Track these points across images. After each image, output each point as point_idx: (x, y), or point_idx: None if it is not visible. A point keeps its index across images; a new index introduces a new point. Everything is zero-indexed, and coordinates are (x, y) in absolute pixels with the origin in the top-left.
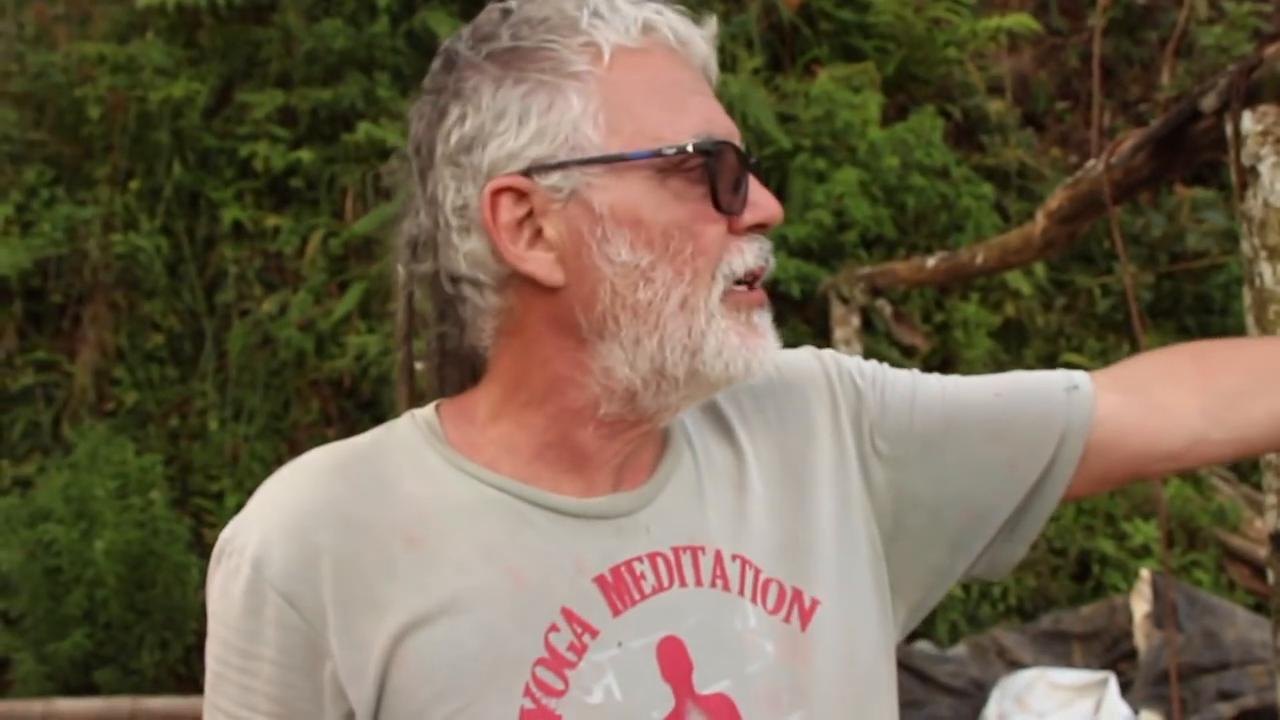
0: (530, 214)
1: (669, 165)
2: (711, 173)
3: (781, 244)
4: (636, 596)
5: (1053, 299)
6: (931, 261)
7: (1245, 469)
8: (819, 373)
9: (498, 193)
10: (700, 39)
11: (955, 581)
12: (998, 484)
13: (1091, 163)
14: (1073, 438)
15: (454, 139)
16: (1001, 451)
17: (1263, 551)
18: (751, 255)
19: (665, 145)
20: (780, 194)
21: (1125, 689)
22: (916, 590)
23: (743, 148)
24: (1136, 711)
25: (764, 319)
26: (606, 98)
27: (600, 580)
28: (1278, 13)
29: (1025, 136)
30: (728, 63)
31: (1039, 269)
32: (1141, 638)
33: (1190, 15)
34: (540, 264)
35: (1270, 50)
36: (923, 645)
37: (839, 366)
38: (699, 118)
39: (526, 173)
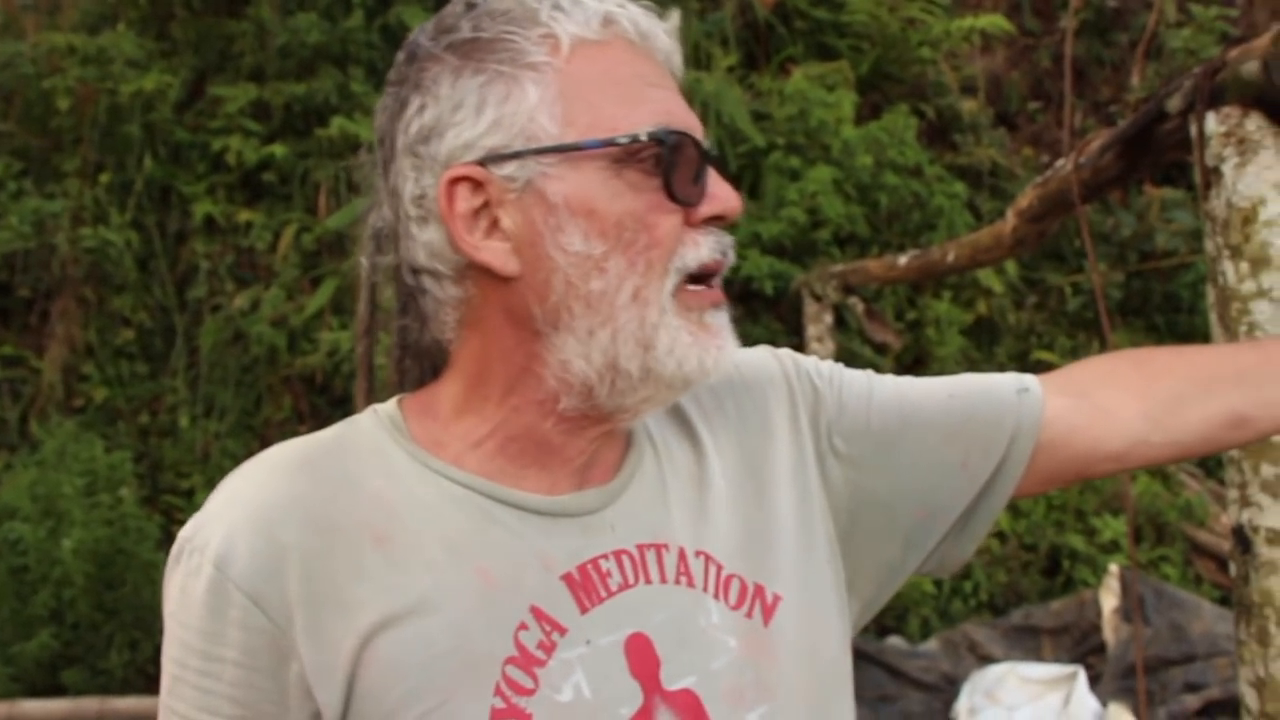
0: (487, 204)
1: (624, 155)
2: (666, 163)
3: (755, 241)
4: (604, 594)
5: (1024, 297)
6: (904, 259)
7: (1211, 464)
8: (777, 372)
9: (454, 182)
10: (663, 33)
11: (906, 578)
12: (951, 482)
13: (1061, 162)
14: (1023, 438)
15: (413, 129)
16: (955, 451)
17: (1227, 546)
18: (707, 248)
19: (620, 135)
20: (754, 192)
21: (1094, 682)
22: (870, 586)
23: (704, 141)
24: (1105, 704)
25: (719, 318)
26: (563, 89)
27: (568, 578)
28: (1244, 16)
29: (998, 136)
30: (703, 60)
31: (1010, 267)
32: (1110, 632)
33: (1159, 18)
34: (495, 254)
35: (1233, 53)
36: (894, 640)
37: (797, 366)
38: (657, 109)
39: (482, 162)
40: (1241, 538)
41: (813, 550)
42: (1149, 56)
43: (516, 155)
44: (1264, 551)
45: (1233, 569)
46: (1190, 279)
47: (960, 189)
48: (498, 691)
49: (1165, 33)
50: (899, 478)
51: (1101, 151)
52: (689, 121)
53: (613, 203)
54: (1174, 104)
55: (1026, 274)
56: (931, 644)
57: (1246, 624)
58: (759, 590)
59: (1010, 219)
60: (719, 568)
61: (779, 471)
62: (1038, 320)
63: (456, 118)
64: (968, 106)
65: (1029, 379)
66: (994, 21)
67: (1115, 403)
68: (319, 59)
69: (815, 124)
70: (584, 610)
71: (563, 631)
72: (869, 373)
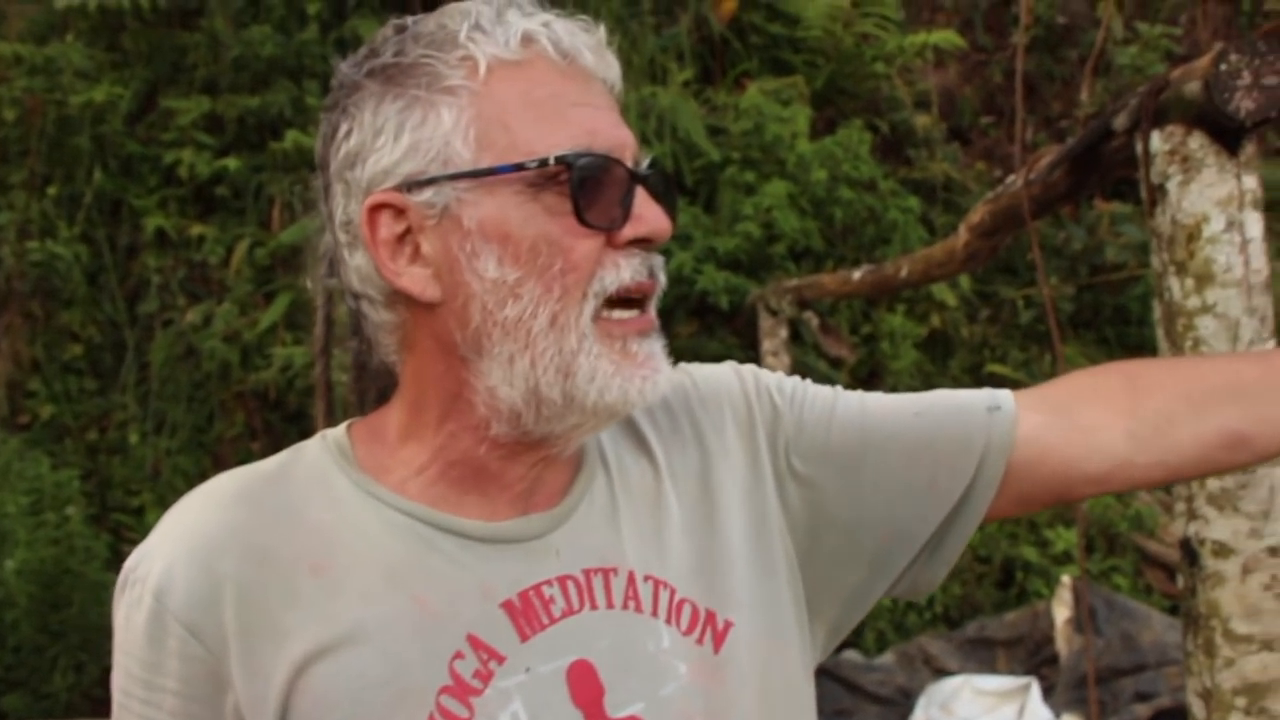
0: (409, 230)
1: (539, 179)
2: (574, 185)
3: (710, 256)
4: (545, 621)
5: (977, 311)
6: (858, 274)
7: None
8: (736, 390)
9: (376, 209)
10: (587, 49)
11: (875, 600)
12: (917, 505)
13: (1012, 178)
14: (993, 458)
15: (341, 155)
16: (921, 472)
17: (1177, 556)
18: (629, 270)
19: (530, 160)
20: (710, 206)
21: (1048, 693)
22: (835, 609)
23: (636, 159)
24: (1058, 715)
25: (644, 345)
26: (480, 111)
27: (508, 605)
28: (1187, 35)
29: (951, 151)
30: (659, 75)
31: (964, 281)
32: (1063, 642)
33: (1107, 36)
34: (415, 280)
35: (1177, 73)
36: (850, 654)
37: (758, 383)
38: (577, 130)
39: (402, 188)
40: (1189, 550)
41: (769, 574)
42: (1097, 73)
43: (432, 181)
44: (1210, 564)
45: (1180, 581)
46: (1139, 292)
47: (914, 203)
48: None
49: (1113, 50)
50: (860, 500)
51: (1051, 168)
52: (616, 140)
53: (526, 227)
54: (1120, 122)
55: (979, 288)
56: (887, 657)
57: (1194, 635)
58: (710, 616)
59: (962, 234)
60: (672, 591)
61: (733, 493)
62: (991, 333)
63: (377, 144)
64: (921, 121)
65: (1003, 395)
66: (946, 37)
67: (1097, 421)
68: (273, 72)
69: (770, 138)
70: (524, 638)
71: (501, 660)
72: (836, 390)
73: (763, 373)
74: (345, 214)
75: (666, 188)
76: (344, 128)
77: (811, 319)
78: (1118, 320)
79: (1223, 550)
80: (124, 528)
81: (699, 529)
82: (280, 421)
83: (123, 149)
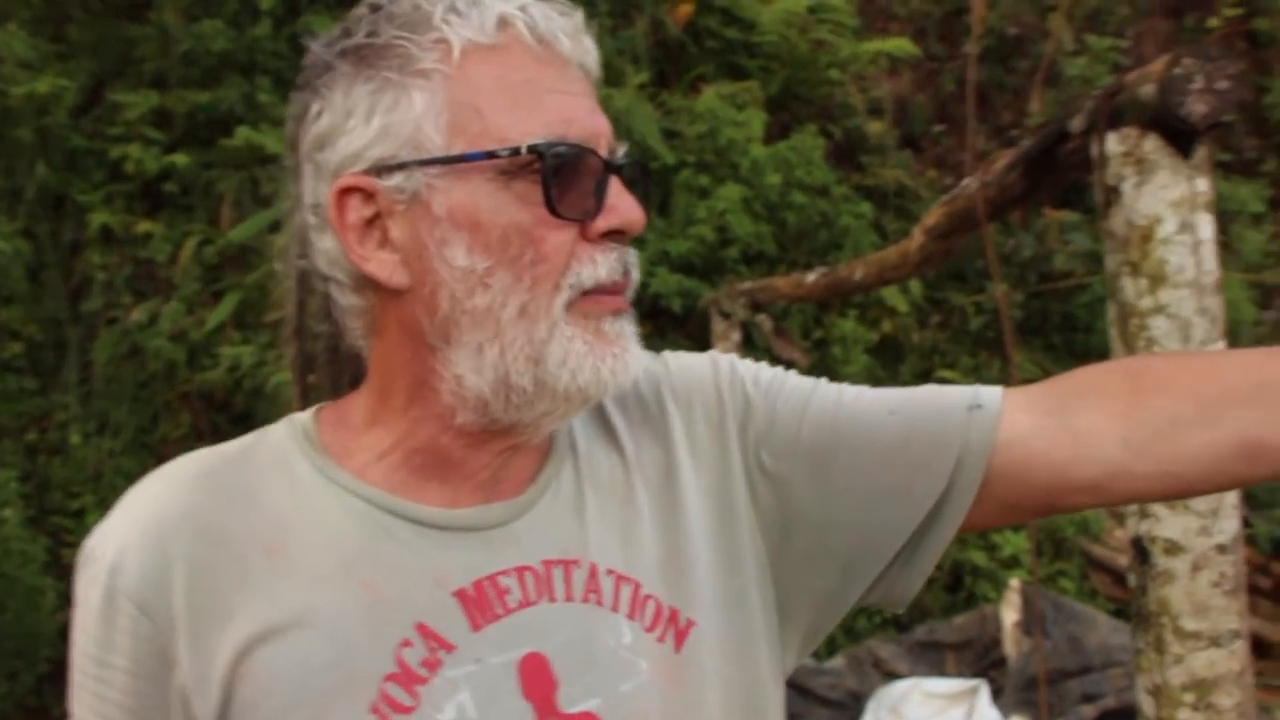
0: (379, 215)
1: (511, 167)
2: (546, 175)
3: (663, 259)
4: (500, 611)
5: (928, 316)
6: (812, 276)
7: None
8: (710, 380)
9: (345, 192)
10: (564, 35)
11: (850, 607)
12: (890, 508)
13: (967, 181)
14: (971, 461)
15: (311, 136)
16: (893, 474)
17: (1122, 559)
18: (605, 268)
19: (502, 147)
20: (664, 209)
21: (996, 695)
22: (808, 613)
23: (611, 149)
24: (1007, 716)
25: (618, 326)
26: (452, 96)
27: (462, 594)
28: (1134, 47)
29: (903, 158)
30: (614, 77)
31: (915, 287)
32: (1011, 645)
33: (1057, 47)
34: (383, 265)
35: (1132, 76)
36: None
37: (733, 374)
38: (552, 117)
39: (372, 172)
40: (1140, 549)
41: (736, 574)
42: (1047, 83)
43: (403, 166)
44: (1161, 562)
45: (1132, 580)
46: (1087, 299)
47: (866, 209)
48: (374, 709)
49: (1062, 60)
50: (831, 499)
51: (1007, 170)
52: (592, 128)
53: (497, 215)
54: (1076, 124)
55: (930, 294)
56: (837, 661)
57: (1145, 632)
58: (674, 614)
59: (917, 236)
60: (635, 588)
61: (701, 488)
62: (941, 339)
63: (348, 126)
64: (874, 128)
65: (988, 394)
66: (900, 45)
67: (1092, 424)
68: (224, 67)
69: (725, 142)
70: (476, 628)
71: (450, 649)
72: (816, 383)
73: (741, 363)
74: (314, 196)
75: (640, 178)
76: (315, 108)
77: (765, 322)
78: (1066, 327)
79: (1173, 548)
80: (63, 531)
81: (665, 525)
82: (227, 423)
83: (67, 142)
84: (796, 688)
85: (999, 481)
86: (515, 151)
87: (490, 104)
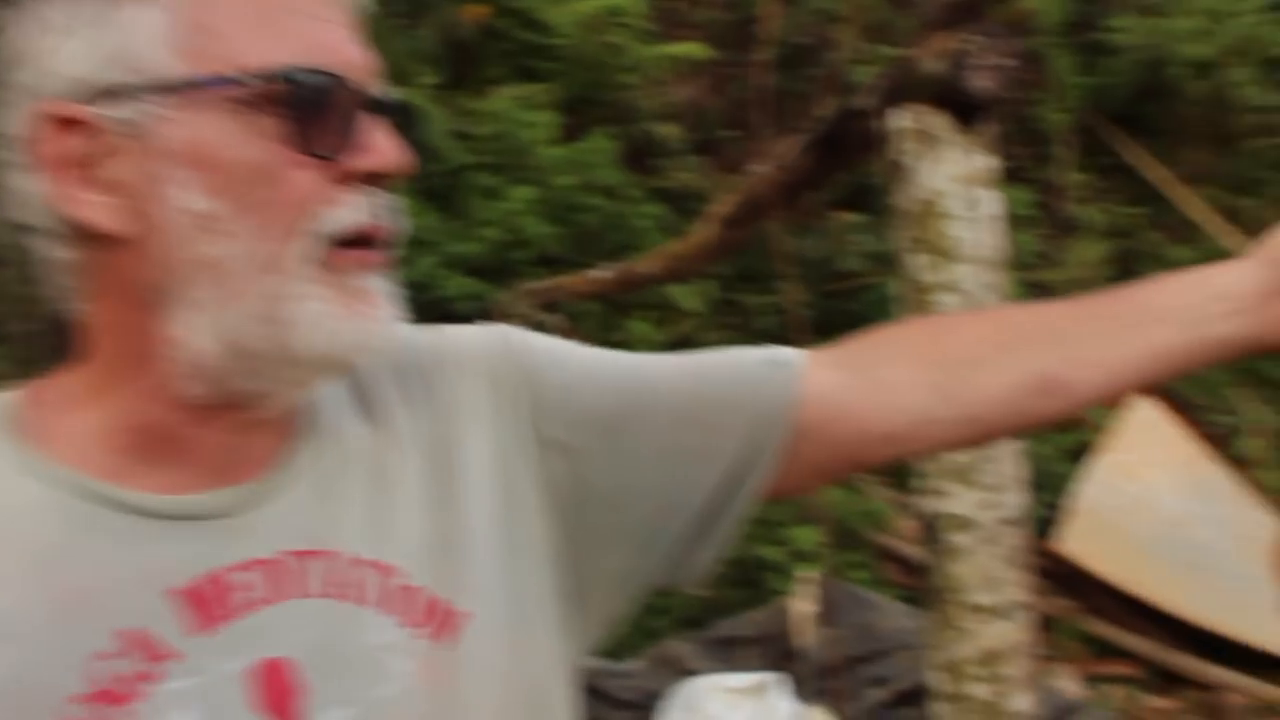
0: (91, 151)
1: (252, 96)
2: (293, 106)
3: (453, 262)
4: (229, 612)
5: (721, 317)
6: (608, 272)
7: (900, 470)
8: (496, 352)
9: (45, 121)
10: None
11: (646, 587)
12: (685, 474)
13: (760, 166)
14: (772, 421)
15: (4, 52)
16: (689, 435)
17: (909, 549)
18: (355, 211)
19: (244, 74)
20: (454, 211)
21: (793, 686)
22: (605, 597)
23: (370, 84)
24: (808, 705)
25: (369, 282)
26: (185, 13)
27: (184, 594)
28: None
29: (696, 161)
30: (404, 77)
31: (709, 289)
32: (806, 636)
33: (845, 55)
34: (95, 209)
35: (919, 50)
36: (594, 660)
37: (524, 346)
38: (302, 43)
39: (81, 98)
40: (929, 526)
41: (521, 557)
42: (836, 90)
43: (122, 92)
44: (951, 538)
45: (927, 554)
46: (873, 298)
47: (659, 211)
48: None
49: (850, 68)
50: (624, 469)
51: (799, 153)
52: (347, 58)
53: (233, 152)
54: (865, 100)
55: (723, 295)
56: (634, 662)
57: (935, 610)
58: (445, 606)
59: (710, 226)
60: (397, 579)
61: (478, 467)
62: (733, 339)
63: (49, 39)
64: (667, 131)
65: (787, 353)
66: (692, 50)
67: (897, 374)
68: None
69: (516, 144)
70: (200, 632)
71: (162, 659)
72: (603, 352)
73: (529, 335)
74: (8, 126)
75: (408, 123)
76: (11, 22)
77: (557, 323)
78: (855, 326)
79: (964, 524)
80: None
81: (437, 507)
82: None
83: None
84: (592, 690)
85: (805, 440)
86: (257, 77)
87: (230, 24)
